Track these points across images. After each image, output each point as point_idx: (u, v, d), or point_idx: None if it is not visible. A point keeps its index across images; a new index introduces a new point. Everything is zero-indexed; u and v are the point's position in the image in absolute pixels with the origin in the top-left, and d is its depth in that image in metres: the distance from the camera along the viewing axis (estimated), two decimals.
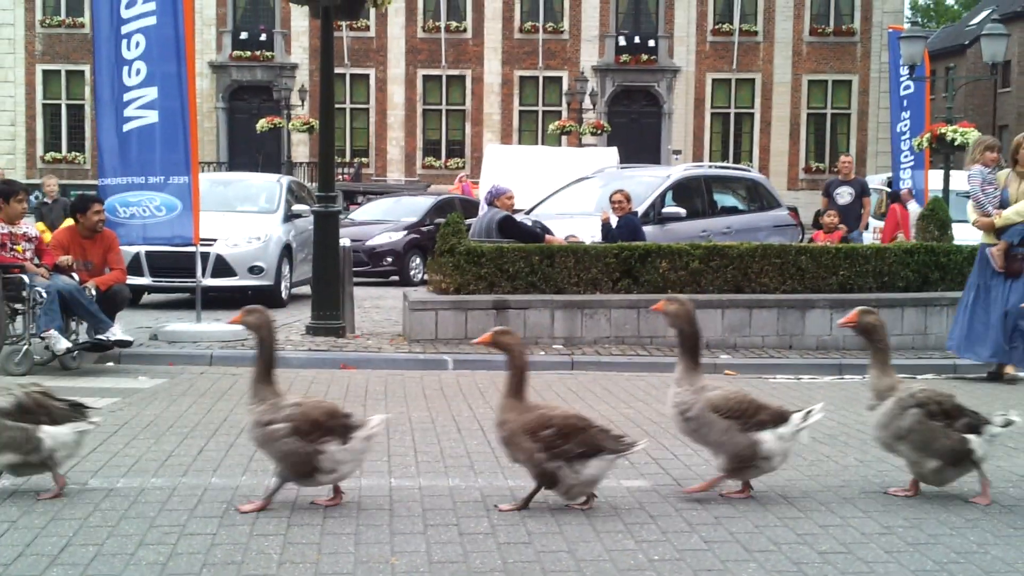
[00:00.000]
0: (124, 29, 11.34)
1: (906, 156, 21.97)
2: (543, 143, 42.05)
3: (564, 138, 41.03)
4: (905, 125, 22.02)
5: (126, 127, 11.38)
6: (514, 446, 5.29)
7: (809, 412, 5.57)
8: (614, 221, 13.48)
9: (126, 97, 11.35)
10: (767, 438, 5.46)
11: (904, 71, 21.31)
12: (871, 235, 20.92)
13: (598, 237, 13.40)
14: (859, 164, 44.40)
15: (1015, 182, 9.90)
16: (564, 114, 43.12)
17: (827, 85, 45.48)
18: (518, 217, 13.50)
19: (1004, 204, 9.89)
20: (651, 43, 45.11)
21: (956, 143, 19.90)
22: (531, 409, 5.37)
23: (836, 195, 17.40)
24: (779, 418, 5.52)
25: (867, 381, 5.85)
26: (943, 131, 20.66)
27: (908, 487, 5.73)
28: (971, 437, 5.51)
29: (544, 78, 45.24)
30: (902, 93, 22.10)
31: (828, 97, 45.52)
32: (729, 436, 5.45)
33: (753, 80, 45.31)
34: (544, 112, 45.07)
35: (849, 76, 45.30)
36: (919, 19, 73.88)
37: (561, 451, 5.20)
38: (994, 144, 10.43)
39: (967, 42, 52.62)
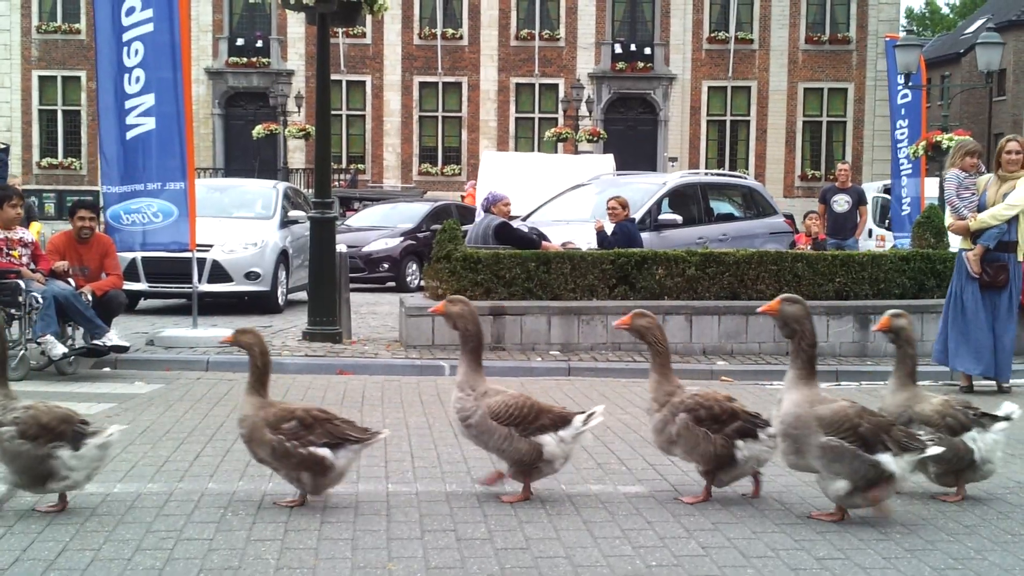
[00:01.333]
0: (125, 37, 11.35)
1: (904, 164, 22.03)
2: (539, 150, 42.03)
3: (560, 145, 41.05)
4: (903, 133, 22.08)
5: (129, 135, 11.38)
6: (255, 442, 5.34)
7: (591, 415, 5.58)
8: (609, 228, 13.47)
9: (127, 105, 11.36)
10: (549, 442, 5.48)
11: (901, 80, 21.37)
12: (874, 242, 20.97)
13: (595, 244, 13.40)
14: (855, 172, 44.47)
15: (995, 186, 9.74)
16: (560, 121, 43.14)
17: (823, 93, 45.55)
18: (514, 224, 13.50)
19: (982, 209, 9.79)
20: (647, 51, 45.18)
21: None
22: (272, 405, 5.43)
23: (833, 203, 17.41)
24: (561, 421, 5.54)
25: (651, 385, 5.78)
26: (938, 139, 20.74)
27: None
28: (738, 443, 5.52)
29: (540, 85, 45.27)
30: (899, 101, 22.17)
31: (824, 105, 45.59)
32: (510, 443, 5.46)
33: (749, 88, 45.38)
34: (540, 119, 45.09)
35: (845, 84, 45.38)
36: (915, 27, 73.98)
37: (306, 442, 5.26)
38: (974, 150, 10.33)
39: (962, 50, 52.71)
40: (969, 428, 5.68)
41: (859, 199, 17.40)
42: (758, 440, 5.54)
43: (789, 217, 27.52)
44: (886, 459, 5.10)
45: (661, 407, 5.66)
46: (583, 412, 5.61)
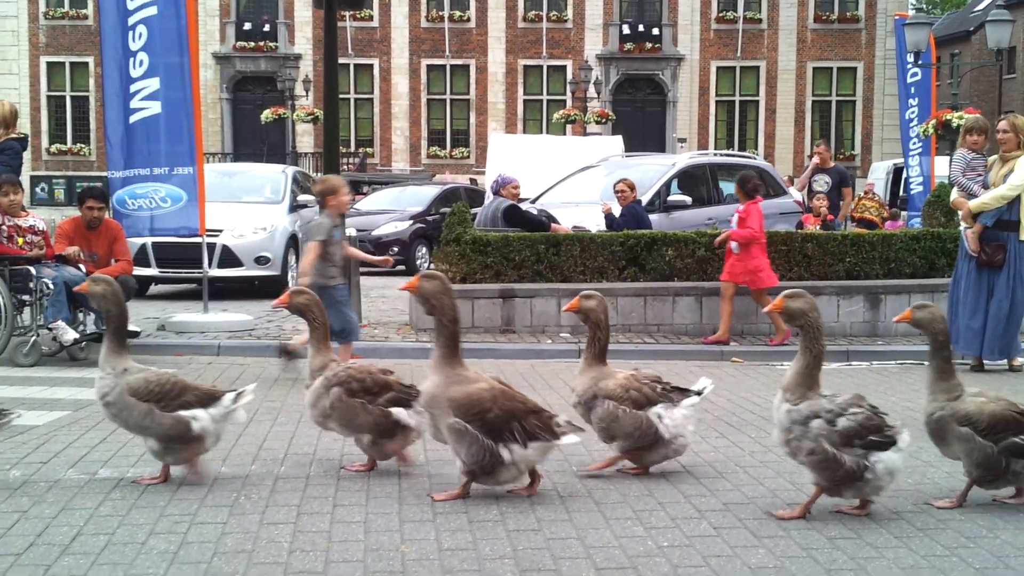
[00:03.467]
0: (130, 20, 11.33)
1: (915, 143, 21.92)
2: (548, 132, 41.99)
3: (569, 127, 40.98)
4: (913, 112, 21.94)
5: (132, 119, 11.38)
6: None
7: (240, 393, 5.61)
8: (617, 211, 13.45)
9: (132, 88, 11.35)
10: (201, 416, 5.51)
11: (910, 58, 21.25)
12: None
13: (604, 226, 13.38)
14: (864, 151, 44.38)
15: (997, 167, 9.76)
16: (568, 103, 43.06)
17: (832, 72, 45.36)
18: (523, 206, 13.49)
19: (987, 188, 9.76)
20: (655, 31, 45.02)
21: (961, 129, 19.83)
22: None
23: (813, 183, 16.80)
24: (209, 398, 5.56)
25: (308, 360, 5.90)
26: (948, 117, 20.63)
27: None
28: (393, 410, 5.65)
29: (548, 67, 45.17)
30: (909, 80, 22.03)
31: (833, 84, 45.41)
32: (152, 419, 5.46)
33: (758, 68, 45.20)
34: (548, 101, 44.99)
35: (854, 63, 45.17)
36: (924, 5, 73.59)
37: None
38: (974, 127, 10.28)
39: (972, 28, 52.41)
40: (656, 403, 5.69)
41: (840, 180, 16.74)
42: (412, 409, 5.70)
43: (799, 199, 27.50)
44: (506, 451, 5.15)
45: (314, 380, 5.80)
46: (233, 391, 5.62)
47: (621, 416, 5.63)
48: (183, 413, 5.48)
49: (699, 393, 5.84)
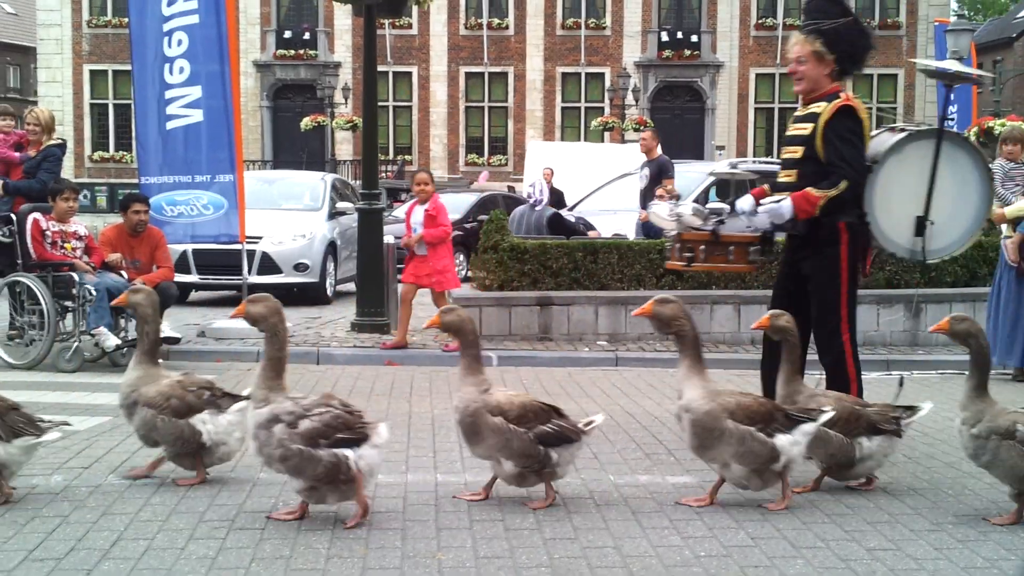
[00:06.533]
0: (165, 27, 11.44)
1: None
2: (586, 139, 41.96)
3: (607, 134, 40.93)
4: (953, 119, 21.76)
5: (169, 125, 11.48)
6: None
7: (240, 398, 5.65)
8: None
9: (168, 95, 11.45)
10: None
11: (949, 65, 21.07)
12: None
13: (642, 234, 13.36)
14: None
15: None
16: (607, 110, 43.04)
17: (873, 79, 45.01)
18: (562, 212, 13.50)
19: None
20: (694, 38, 44.90)
21: None
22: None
23: (640, 176, 15.66)
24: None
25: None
26: (990, 124, 20.45)
27: None
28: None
29: (586, 74, 45.15)
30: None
31: (874, 91, 45.04)
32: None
33: None
34: (586, 108, 44.97)
35: (894, 70, 44.81)
36: (966, 12, 72.96)
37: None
38: (1009, 136, 10.27)
39: (1015, 35, 51.97)
40: (200, 410, 5.61)
41: (659, 171, 14.75)
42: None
43: None
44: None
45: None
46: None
47: (159, 424, 5.57)
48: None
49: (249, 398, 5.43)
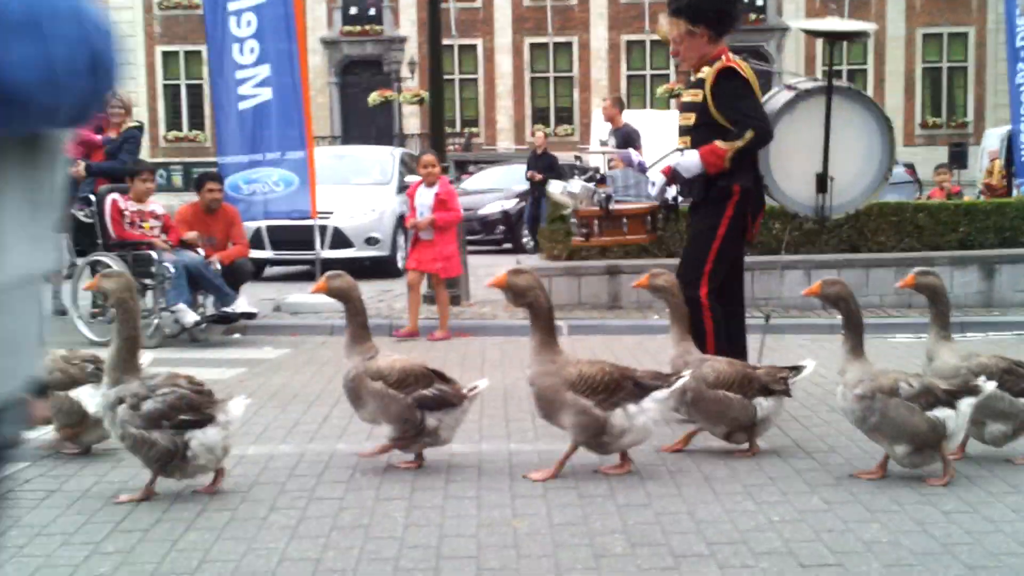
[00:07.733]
0: (231, 7, 11.59)
1: None
2: (652, 107, 41.67)
3: (673, 102, 40.59)
4: (1022, 76, 21.23)
5: (241, 105, 11.65)
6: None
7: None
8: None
9: (239, 75, 11.62)
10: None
11: (1021, 21, 20.55)
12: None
13: None
14: (978, 118, 43.09)
15: None
16: (672, 77, 42.67)
17: (942, 38, 44.10)
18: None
19: None
20: (760, 2, 44.32)
21: None
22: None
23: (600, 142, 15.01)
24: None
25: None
26: None
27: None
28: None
29: (651, 42, 44.75)
30: (1019, 44, 21.30)
31: (944, 51, 44.16)
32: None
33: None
34: (652, 76, 44.64)
35: (965, 28, 43.85)
36: None
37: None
38: None
39: None
40: (84, 382, 5.62)
41: (625, 140, 14.50)
42: None
43: (910, 166, 26.86)
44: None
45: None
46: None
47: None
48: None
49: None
